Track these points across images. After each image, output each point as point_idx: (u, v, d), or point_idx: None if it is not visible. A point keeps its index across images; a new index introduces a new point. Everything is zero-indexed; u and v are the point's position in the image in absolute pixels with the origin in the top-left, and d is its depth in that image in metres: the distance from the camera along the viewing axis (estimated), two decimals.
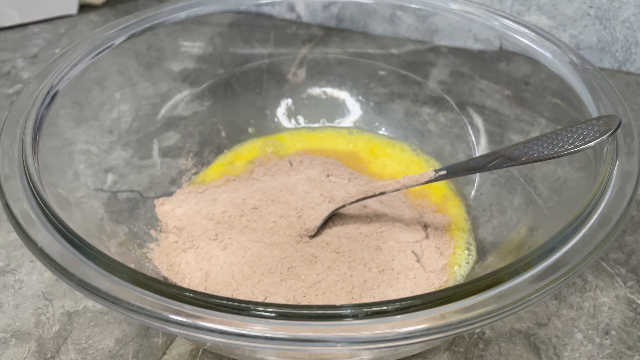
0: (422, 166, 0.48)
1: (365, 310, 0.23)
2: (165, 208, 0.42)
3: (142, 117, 0.46)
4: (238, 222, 0.40)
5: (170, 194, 0.44)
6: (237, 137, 0.50)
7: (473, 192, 0.44)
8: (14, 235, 0.43)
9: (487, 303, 0.23)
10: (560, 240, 0.26)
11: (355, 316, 0.23)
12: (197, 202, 0.43)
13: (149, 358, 0.35)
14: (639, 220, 0.43)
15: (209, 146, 0.49)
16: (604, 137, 0.31)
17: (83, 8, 0.75)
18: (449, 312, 0.23)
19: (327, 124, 0.52)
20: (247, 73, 0.51)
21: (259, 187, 0.43)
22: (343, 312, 0.23)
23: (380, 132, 0.51)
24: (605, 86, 0.36)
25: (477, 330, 0.36)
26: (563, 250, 0.26)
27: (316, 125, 0.52)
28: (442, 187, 0.45)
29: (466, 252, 0.40)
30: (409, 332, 0.22)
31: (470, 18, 0.45)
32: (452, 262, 0.39)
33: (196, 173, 0.47)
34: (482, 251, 0.40)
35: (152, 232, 0.40)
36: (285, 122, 0.52)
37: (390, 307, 0.23)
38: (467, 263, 0.39)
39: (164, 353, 0.35)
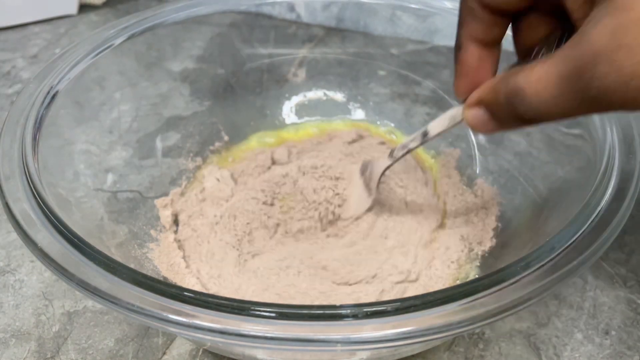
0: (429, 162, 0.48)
1: (365, 310, 0.23)
2: (167, 212, 0.42)
3: (142, 117, 0.46)
4: (245, 219, 0.41)
5: (170, 194, 0.44)
6: (238, 137, 0.50)
7: None
8: (14, 235, 0.43)
9: (487, 303, 0.23)
10: (560, 240, 0.26)
11: (355, 316, 0.23)
12: (203, 207, 0.43)
13: (149, 358, 0.35)
14: (639, 220, 0.43)
15: (209, 146, 0.48)
16: None
17: (83, 8, 0.75)
18: (450, 312, 0.23)
19: None
20: (247, 73, 0.51)
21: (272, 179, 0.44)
22: (343, 312, 0.23)
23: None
24: None
25: (477, 330, 0.36)
26: (563, 251, 0.26)
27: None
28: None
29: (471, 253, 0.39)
30: (410, 332, 0.22)
31: None
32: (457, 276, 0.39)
33: (194, 177, 0.47)
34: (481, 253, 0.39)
35: (152, 232, 0.40)
36: (285, 122, 0.52)
37: (390, 307, 0.23)
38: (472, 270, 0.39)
39: (164, 353, 0.35)
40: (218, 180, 0.44)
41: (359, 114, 0.52)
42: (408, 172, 0.44)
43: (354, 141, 0.48)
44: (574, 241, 0.26)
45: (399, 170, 0.44)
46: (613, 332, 0.36)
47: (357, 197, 0.40)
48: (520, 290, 0.24)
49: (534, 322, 0.37)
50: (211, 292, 0.36)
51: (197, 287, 0.36)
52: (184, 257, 0.39)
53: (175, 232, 0.41)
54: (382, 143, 0.49)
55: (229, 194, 0.43)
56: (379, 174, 0.40)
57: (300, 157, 0.46)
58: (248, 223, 0.40)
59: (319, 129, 0.51)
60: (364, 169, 0.41)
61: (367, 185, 0.40)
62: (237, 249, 0.39)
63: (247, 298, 0.35)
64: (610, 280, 0.39)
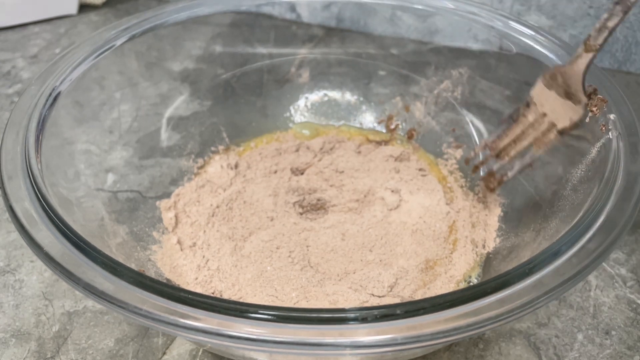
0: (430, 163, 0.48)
1: (374, 313, 0.22)
2: (170, 215, 0.42)
3: (142, 117, 0.46)
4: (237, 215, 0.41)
5: (170, 194, 0.44)
6: (238, 137, 0.50)
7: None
8: (14, 235, 0.43)
9: (494, 306, 0.23)
10: (565, 243, 0.26)
11: (364, 319, 0.22)
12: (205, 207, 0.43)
13: (149, 358, 0.35)
14: (639, 220, 0.43)
15: (210, 146, 0.48)
16: None
17: (83, 8, 0.75)
18: (457, 316, 0.23)
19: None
20: (247, 73, 0.51)
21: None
22: (350, 315, 0.22)
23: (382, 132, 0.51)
24: (608, 86, 0.36)
25: None
26: (569, 254, 0.25)
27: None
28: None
29: (474, 252, 0.39)
30: (419, 336, 0.22)
31: (471, 18, 0.45)
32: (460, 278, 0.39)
33: (196, 174, 0.47)
34: (485, 254, 0.40)
35: (154, 234, 0.40)
36: (286, 122, 0.52)
37: (399, 311, 0.22)
38: (474, 271, 0.39)
39: (164, 353, 0.35)
40: (222, 167, 0.45)
41: (359, 114, 0.52)
42: (417, 177, 0.45)
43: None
44: (579, 244, 0.26)
45: (407, 178, 0.44)
46: (613, 332, 0.36)
47: (560, 107, 0.35)
48: (526, 294, 0.24)
49: (534, 322, 0.37)
50: (211, 284, 0.37)
51: (198, 283, 0.37)
52: (182, 250, 0.39)
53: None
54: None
55: (228, 183, 0.44)
56: (580, 78, 0.34)
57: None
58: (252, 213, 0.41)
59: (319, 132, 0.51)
60: (551, 81, 0.36)
61: (566, 95, 0.35)
62: (233, 239, 0.39)
63: (244, 289, 0.36)
64: (610, 280, 0.39)
